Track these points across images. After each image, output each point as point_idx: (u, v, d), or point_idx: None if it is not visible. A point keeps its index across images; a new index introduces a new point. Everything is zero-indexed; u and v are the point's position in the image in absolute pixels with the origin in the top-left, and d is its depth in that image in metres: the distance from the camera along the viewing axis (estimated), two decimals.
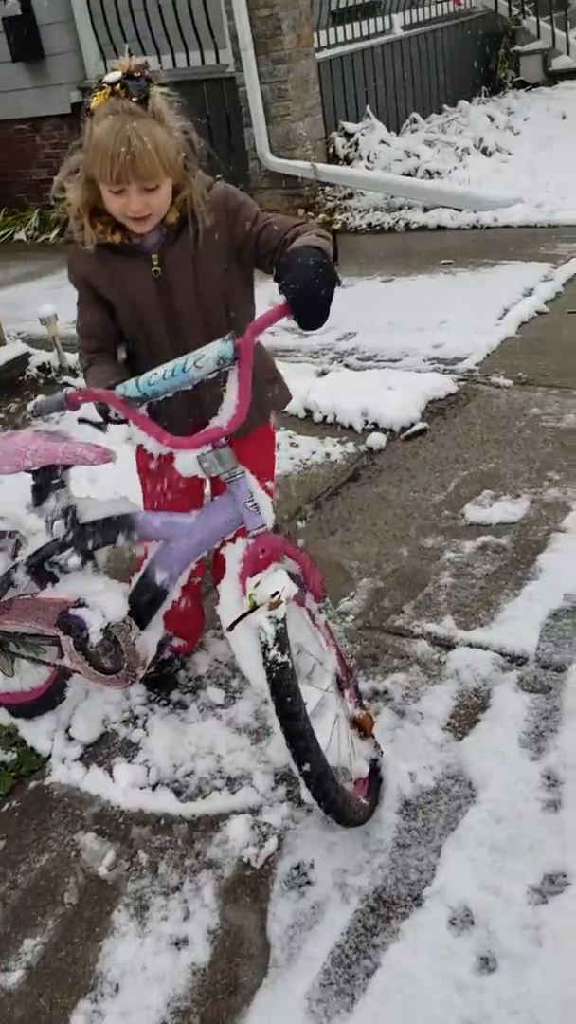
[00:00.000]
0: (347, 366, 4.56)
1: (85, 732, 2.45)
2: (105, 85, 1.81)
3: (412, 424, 3.86)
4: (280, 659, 1.80)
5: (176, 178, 1.92)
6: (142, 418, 1.94)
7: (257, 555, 2.02)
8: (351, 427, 3.90)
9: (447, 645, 2.57)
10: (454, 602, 2.75)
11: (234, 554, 2.03)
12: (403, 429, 3.85)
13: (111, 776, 2.31)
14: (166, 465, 2.04)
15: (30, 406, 2.14)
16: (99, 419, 2.00)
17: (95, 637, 2.17)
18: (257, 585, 1.91)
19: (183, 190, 1.95)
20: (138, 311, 2.12)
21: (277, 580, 1.89)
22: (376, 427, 3.87)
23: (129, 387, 1.89)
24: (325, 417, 3.99)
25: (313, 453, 3.76)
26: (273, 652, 1.81)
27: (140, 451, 2.26)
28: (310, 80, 7.07)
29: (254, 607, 1.87)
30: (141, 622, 2.25)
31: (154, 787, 2.27)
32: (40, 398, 2.06)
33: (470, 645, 2.55)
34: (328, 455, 3.74)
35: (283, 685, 1.80)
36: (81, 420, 2.06)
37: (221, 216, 2.02)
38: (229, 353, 1.84)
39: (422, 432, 3.82)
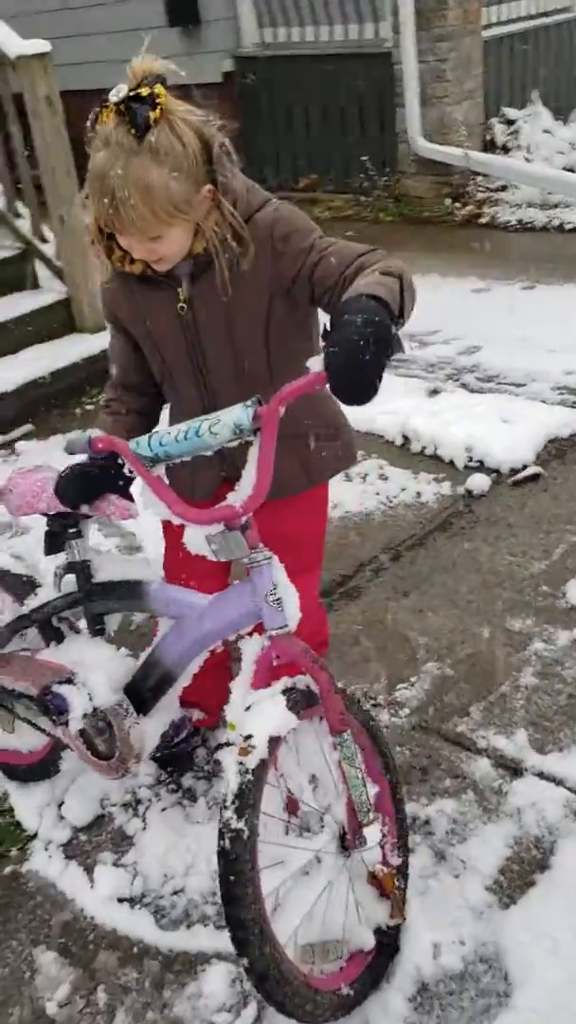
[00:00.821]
0: (464, 385, 4.08)
1: (78, 813, 2.14)
2: (109, 104, 1.48)
3: (524, 466, 3.36)
4: (234, 824, 1.43)
5: (190, 216, 1.55)
6: (155, 479, 1.65)
7: (270, 661, 1.66)
8: (452, 463, 3.43)
9: (514, 770, 2.12)
10: (533, 711, 2.28)
11: (249, 652, 1.69)
12: (513, 471, 3.36)
13: (91, 879, 2.00)
14: None
15: (64, 441, 1.93)
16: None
17: (75, 725, 1.86)
18: (248, 709, 1.55)
19: (206, 221, 1.58)
20: (160, 350, 1.77)
21: (265, 717, 1.53)
22: (481, 466, 3.39)
23: (141, 444, 1.62)
24: (424, 448, 3.53)
25: (403, 490, 3.32)
26: (228, 813, 1.44)
27: None
28: (473, 60, 6.48)
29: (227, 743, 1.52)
30: (143, 707, 1.93)
31: (135, 902, 1.94)
32: (73, 435, 1.86)
33: (541, 775, 2.09)
34: (419, 494, 3.29)
35: (229, 858, 1.42)
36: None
37: (266, 247, 1.63)
38: (246, 422, 1.48)
39: (534, 478, 3.32)
